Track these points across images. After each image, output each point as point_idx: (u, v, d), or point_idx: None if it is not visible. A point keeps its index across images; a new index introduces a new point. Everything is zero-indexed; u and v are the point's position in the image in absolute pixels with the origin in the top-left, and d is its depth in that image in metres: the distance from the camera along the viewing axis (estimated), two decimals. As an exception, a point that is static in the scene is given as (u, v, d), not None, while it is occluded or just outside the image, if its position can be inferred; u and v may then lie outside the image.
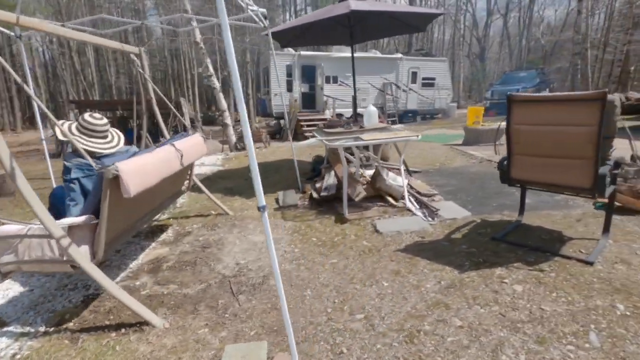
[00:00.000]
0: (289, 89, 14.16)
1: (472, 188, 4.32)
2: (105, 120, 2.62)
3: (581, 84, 18.41)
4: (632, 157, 4.16)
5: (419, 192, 3.98)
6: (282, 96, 11.91)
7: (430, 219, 3.35)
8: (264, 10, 3.48)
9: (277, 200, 4.25)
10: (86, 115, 2.55)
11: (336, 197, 3.88)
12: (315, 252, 2.88)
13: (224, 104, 8.89)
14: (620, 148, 4.03)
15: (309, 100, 14.71)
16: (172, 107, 3.80)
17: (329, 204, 3.94)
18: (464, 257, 2.59)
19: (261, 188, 1.34)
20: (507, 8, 31.46)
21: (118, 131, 2.85)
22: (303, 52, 13.89)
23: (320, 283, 2.40)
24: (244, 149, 9.18)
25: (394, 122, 15.56)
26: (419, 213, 3.45)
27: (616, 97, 2.13)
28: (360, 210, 3.66)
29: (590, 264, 2.34)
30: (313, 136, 12.25)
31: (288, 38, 5.43)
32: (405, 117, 16.49)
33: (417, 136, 3.48)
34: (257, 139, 8.97)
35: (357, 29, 5.21)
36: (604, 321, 1.82)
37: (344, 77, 14.81)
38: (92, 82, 22.37)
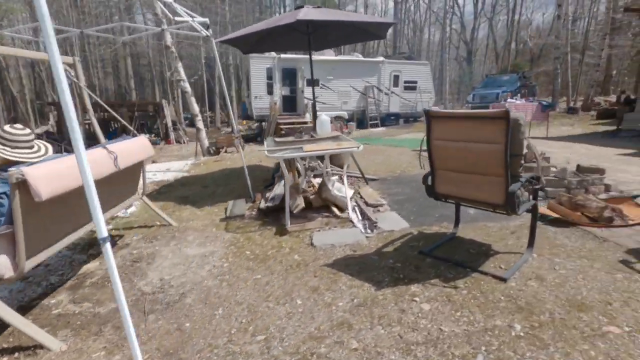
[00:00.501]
0: (270, 91, 14.11)
1: (421, 197, 4.30)
2: (28, 131, 2.56)
3: (562, 88, 18.67)
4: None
5: (366, 202, 3.97)
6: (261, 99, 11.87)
7: (369, 231, 3.33)
8: (204, 19, 3.43)
9: (226, 210, 4.21)
10: (6, 127, 2.50)
11: (282, 208, 3.85)
12: (244, 267, 2.84)
13: (195, 108, 8.82)
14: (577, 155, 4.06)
15: (290, 103, 14.66)
16: (115, 114, 3.72)
17: (275, 214, 3.90)
18: (386, 273, 2.58)
19: (101, 215, 1.29)
20: (492, 11, 31.77)
21: (45, 142, 2.79)
22: (283, 55, 13.84)
23: (236, 301, 2.36)
24: (216, 153, 9.11)
25: (375, 125, 15.61)
26: (359, 225, 3.43)
27: (520, 116, 2.13)
28: (303, 221, 3.63)
29: (504, 280, 2.34)
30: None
31: (247, 45, 5.39)
32: (388, 120, 16.52)
33: (358, 147, 3.47)
34: (229, 143, 8.91)
35: (316, 36, 5.20)
36: (496, 342, 1.81)
37: (325, 80, 14.81)
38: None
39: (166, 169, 7.28)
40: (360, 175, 5.00)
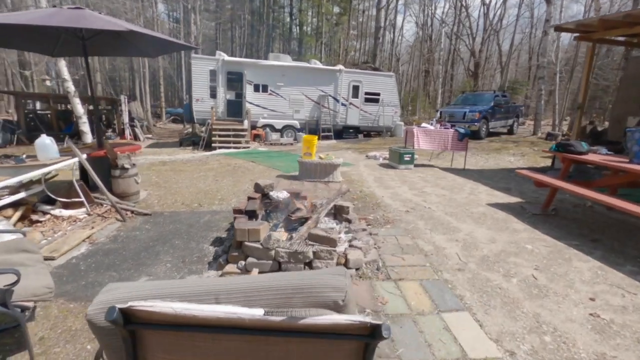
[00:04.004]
0: (213, 95, 13.44)
1: (153, 243, 3.46)
2: None
3: (546, 111, 17.08)
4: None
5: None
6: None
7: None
8: None
9: None
10: None
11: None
12: None
13: (79, 109, 8.25)
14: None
15: (237, 108, 13.91)
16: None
17: None
18: None
19: None
20: (499, 24, 29.95)
21: None
22: (227, 58, 13.15)
23: None
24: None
25: (328, 137, 14.65)
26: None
27: None
28: None
29: None
30: (224, 147, 11.51)
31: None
32: (346, 132, 15.52)
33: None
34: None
35: (94, 41, 4.47)
36: None
37: (275, 86, 14.01)
38: None
39: None
40: (127, 208, 4.19)
